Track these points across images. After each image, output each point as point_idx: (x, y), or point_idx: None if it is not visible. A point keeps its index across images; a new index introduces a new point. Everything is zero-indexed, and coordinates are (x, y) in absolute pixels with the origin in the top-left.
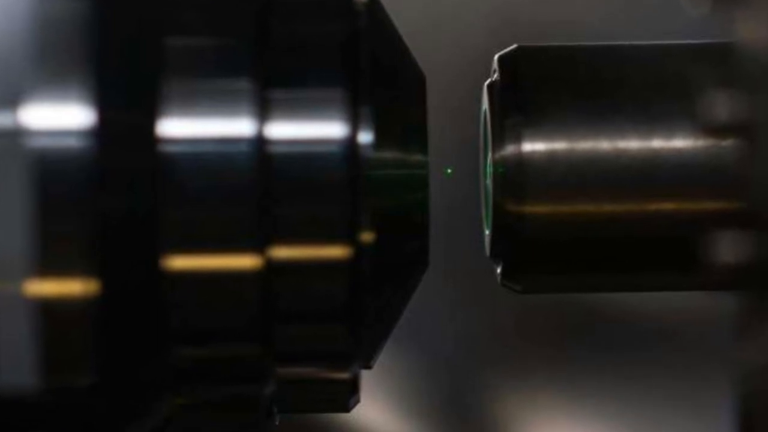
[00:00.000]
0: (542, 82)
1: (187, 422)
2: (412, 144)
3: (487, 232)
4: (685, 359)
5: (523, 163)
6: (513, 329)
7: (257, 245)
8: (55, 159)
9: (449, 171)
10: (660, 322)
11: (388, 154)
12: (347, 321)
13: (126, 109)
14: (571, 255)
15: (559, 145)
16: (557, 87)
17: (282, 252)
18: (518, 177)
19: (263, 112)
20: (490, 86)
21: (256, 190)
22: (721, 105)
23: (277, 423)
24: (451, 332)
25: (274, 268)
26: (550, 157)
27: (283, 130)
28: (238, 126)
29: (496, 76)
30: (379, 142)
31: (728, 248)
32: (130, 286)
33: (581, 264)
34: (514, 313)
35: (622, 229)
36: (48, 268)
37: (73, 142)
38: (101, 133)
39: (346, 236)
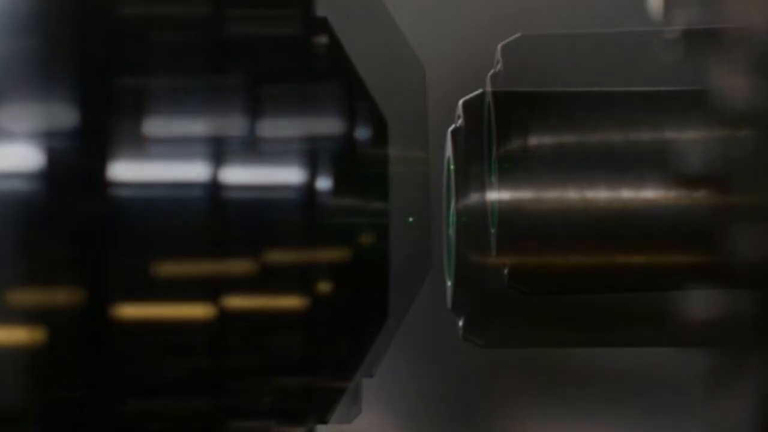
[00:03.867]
0: (509, 128)
1: None
2: (372, 191)
3: (449, 283)
4: (659, 417)
5: (487, 213)
6: (479, 385)
7: (209, 295)
8: (2, 202)
9: (411, 219)
10: (632, 378)
11: (347, 201)
12: (302, 375)
13: (76, 151)
14: (537, 309)
15: (526, 195)
16: (524, 133)
17: (235, 302)
18: (482, 227)
19: (218, 156)
20: (454, 132)
21: (209, 238)
22: (694, 155)
23: None
24: (413, 391)
25: (226, 319)
26: (516, 207)
27: (238, 175)
28: (192, 170)
29: (460, 121)
30: (337, 189)
31: (700, 303)
32: (75, 336)
33: (547, 318)
34: (480, 368)
35: (590, 283)
36: None
37: (20, 185)
38: (50, 176)
39: (302, 287)
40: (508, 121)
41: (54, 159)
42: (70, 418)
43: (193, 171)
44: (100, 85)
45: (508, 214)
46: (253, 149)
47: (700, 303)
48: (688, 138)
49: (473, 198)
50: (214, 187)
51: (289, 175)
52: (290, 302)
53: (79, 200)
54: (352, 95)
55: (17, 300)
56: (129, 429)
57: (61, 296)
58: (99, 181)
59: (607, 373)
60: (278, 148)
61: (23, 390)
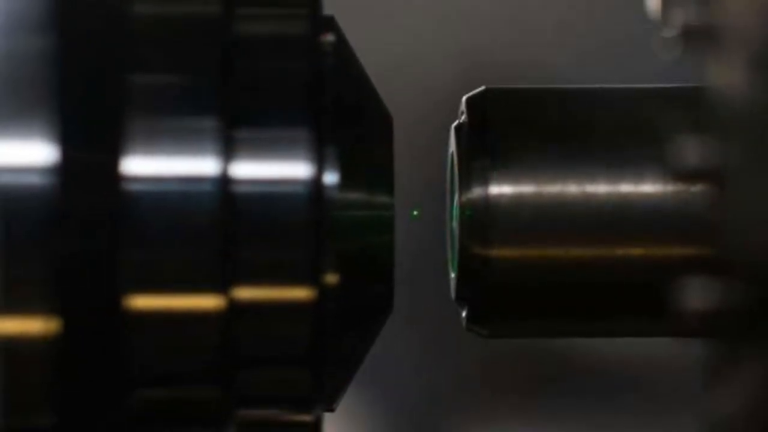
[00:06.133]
0: (510, 124)
1: None
2: (378, 185)
3: (452, 275)
4: (656, 407)
5: (490, 206)
6: (480, 376)
7: (219, 287)
8: (17, 196)
9: (415, 213)
10: (630, 369)
11: (354, 195)
12: (309, 364)
13: (89, 146)
14: (539, 299)
15: (527, 189)
16: (526, 130)
17: (244, 294)
18: (485, 220)
19: (227, 151)
20: (457, 128)
21: (219, 231)
22: (692, 150)
23: None
24: (415, 378)
25: (236, 310)
26: (518, 201)
27: (247, 169)
28: (202, 165)
29: (463, 118)
30: (344, 183)
31: (698, 295)
32: (90, 327)
33: (548, 309)
34: (481, 359)
35: (590, 274)
36: (9, 307)
37: (35, 180)
38: (63, 171)
39: (310, 278)
40: (470, 171)
41: (66, 154)
42: (85, 407)
43: (203, 165)
44: (110, 82)
45: (470, 261)
46: (262, 145)
47: (698, 295)
48: (645, 190)
49: (475, 192)
50: (223, 181)
51: (296, 169)
52: (297, 294)
53: (91, 194)
54: (358, 92)
55: (31, 292)
56: (140, 417)
57: (73, 289)
58: (111, 175)
59: (606, 363)
60: (286, 143)
61: (39, 380)
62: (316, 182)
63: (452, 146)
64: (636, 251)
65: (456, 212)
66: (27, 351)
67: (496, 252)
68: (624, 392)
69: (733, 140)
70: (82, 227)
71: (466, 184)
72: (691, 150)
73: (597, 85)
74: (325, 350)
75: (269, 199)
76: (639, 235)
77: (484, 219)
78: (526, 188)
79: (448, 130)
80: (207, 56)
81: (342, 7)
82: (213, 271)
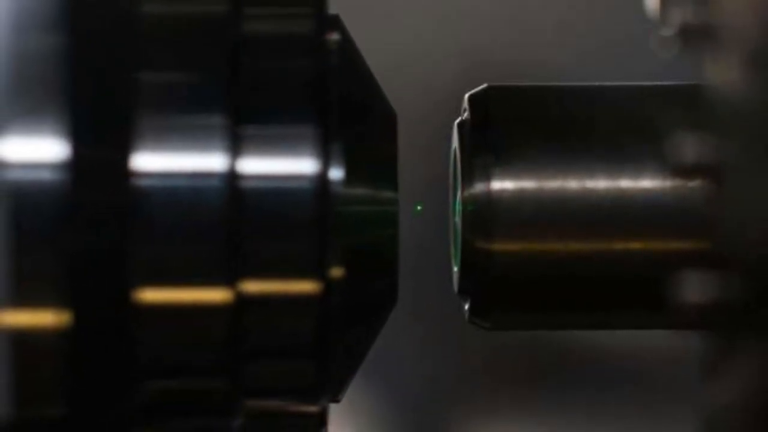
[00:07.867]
0: (512, 121)
1: None
2: (382, 181)
3: (455, 269)
4: (656, 398)
5: (492, 201)
6: (481, 368)
7: (227, 280)
8: (29, 192)
9: (419, 208)
10: (629, 361)
11: (358, 191)
12: (315, 356)
13: (98, 143)
14: (539, 292)
15: (528, 184)
16: (527, 126)
17: (251, 287)
18: (487, 215)
19: (235, 147)
20: (460, 125)
21: (227, 226)
22: (690, 146)
23: None
24: (418, 370)
25: (243, 303)
26: (519, 196)
27: (254, 165)
28: (210, 161)
29: (466, 115)
30: (349, 179)
31: (695, 288)
32: (100, 320)
33: (549, 302)
34: (483, 351)
35: (589, 268)
36: (21, 300)
37: (46, 176)
38: (74, 167)
39: (316, 272)
40: (472, 167)
41: (77, 151)
42: (95, 399)
43: (211, 162)
44: (119, 80)
45: (472, 255)
46: (269, 141)
47: (695, 288)
48: (644, 186)
49: (478, 187)
50: (230, 177)
51: (302, 165)
52: (303, 287)
53: (101, 190)
54: (363, 89)
55: (42, 286)
56: (149, 408)
57: (83, 283)
58: (120, 172)
59: (607, 355)
60: (292, 140)
61: (50, 372)
62: (321, 178)
63: (455, 143)
64: (635, 245)
65: (459, 207)
66: (38, 343)
67: (497, 246)
68: (624, 384)
69: (731, 137)
70: (92, 222)
71: (468, 179)
72: (689, 146)
73: (597, 83)
74: (330, 342)
75: (276, 194)
76: (638, 230)
77: (486, 214)
78: (528, 184)
79: (451, 127)
80: (214, 55)
81: (345, 7)
82: (220, 265)
